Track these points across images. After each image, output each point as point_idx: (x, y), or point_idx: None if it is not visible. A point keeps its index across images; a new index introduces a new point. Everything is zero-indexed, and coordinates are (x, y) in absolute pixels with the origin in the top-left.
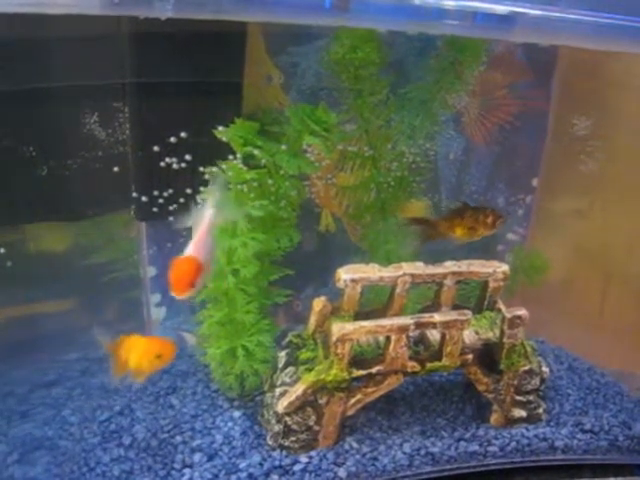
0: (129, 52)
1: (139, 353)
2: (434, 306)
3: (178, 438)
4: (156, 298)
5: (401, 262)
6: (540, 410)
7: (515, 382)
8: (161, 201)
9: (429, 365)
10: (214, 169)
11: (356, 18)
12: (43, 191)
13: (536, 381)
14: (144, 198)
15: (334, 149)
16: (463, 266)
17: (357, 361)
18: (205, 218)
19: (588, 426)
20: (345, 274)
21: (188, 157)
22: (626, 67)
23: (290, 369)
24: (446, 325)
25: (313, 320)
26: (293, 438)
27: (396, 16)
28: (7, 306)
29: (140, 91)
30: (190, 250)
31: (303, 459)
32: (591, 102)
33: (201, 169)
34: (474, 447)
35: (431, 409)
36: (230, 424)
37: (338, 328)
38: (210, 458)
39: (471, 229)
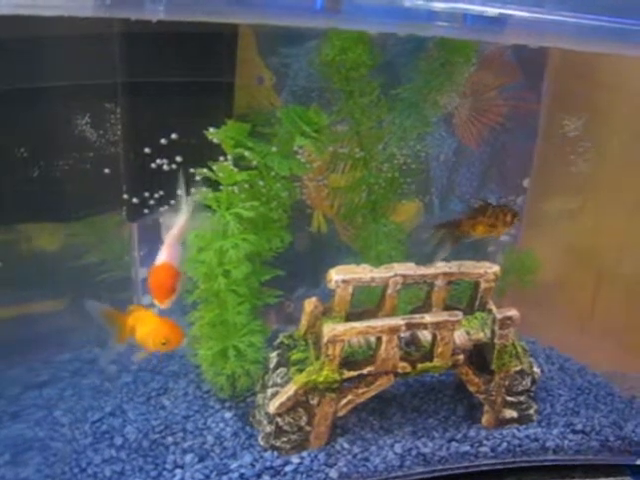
0: (120, 52)
1: (147, 330)
2: (425, 307)
3: (169, 439)
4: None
5: (392, 263)
6: (531, 411)
7: (506, 383)
8: (152, 202)
9: (420, 366)
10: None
11: (347, 20)
12: (34, 191)
13: (527, 382)
14: (135, 199)
15: (325, 150)
16: (454, 267)
17: (348, 362)
18: (177, 223)
19: (579, 426)
20: (336, 275)
21: (179, 158)
22: (615, 68)
23: (281, 370)
24: (437, 326)
25: (304, 321)
26: (284, 439)
27: (387, 18)
28: None
29: (131, 92)
30: (164, 256)
31: (294, 460)
32: (581, 103)
33: (192, 170)
34: (465, 448)
35: (422, 410)
36: (221, 425)
37: (329, 329)
38: (201, 459)
39: (491, 226)
